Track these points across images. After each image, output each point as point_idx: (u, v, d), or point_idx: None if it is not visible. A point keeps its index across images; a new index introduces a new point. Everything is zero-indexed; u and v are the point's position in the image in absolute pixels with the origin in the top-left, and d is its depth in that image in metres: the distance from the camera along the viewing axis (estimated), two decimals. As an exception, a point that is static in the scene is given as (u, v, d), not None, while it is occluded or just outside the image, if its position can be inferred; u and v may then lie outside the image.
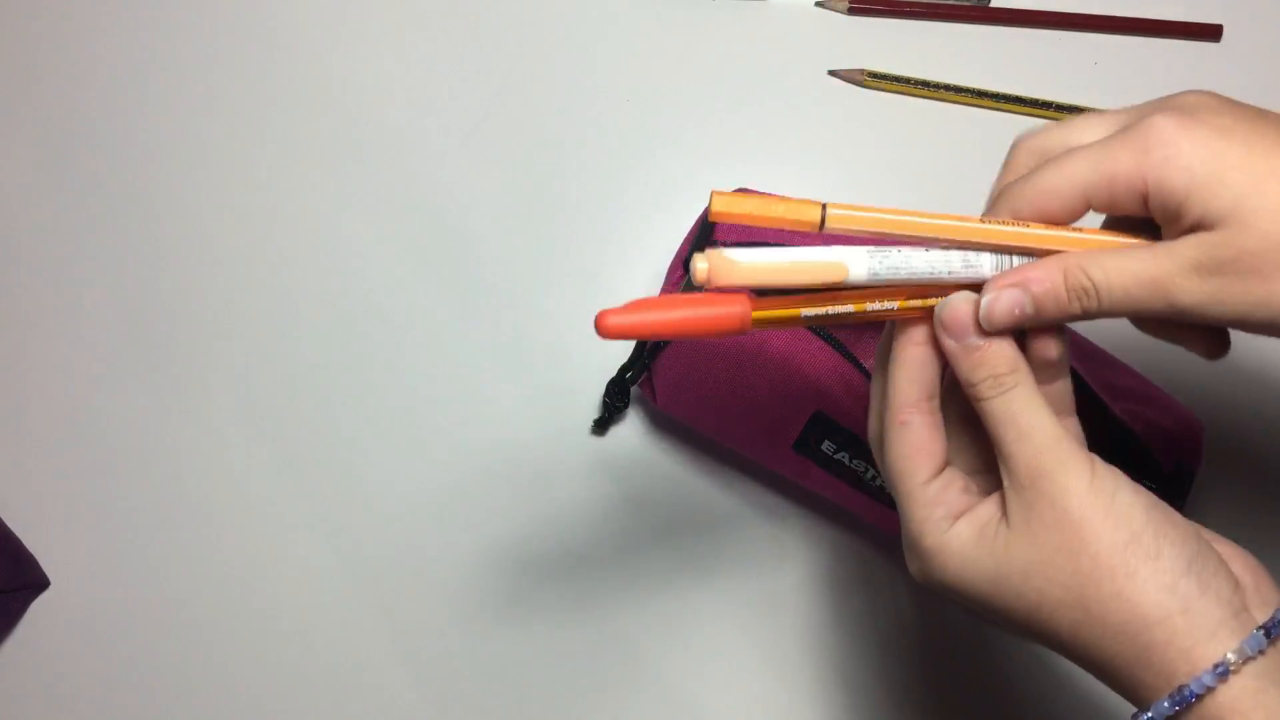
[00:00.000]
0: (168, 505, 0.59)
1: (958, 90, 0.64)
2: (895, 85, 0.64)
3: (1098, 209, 0.35)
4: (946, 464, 0.36)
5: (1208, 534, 0.34)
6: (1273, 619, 0.31)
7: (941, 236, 0.35)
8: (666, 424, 0.59)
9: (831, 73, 0.65)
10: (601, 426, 0.59)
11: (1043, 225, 0.35)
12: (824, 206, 0.34)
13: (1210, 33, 0.65)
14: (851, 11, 0.66)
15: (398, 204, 0.64)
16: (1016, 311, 0.34)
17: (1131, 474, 0.49)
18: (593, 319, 0.33)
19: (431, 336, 0.61)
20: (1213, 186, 0.32)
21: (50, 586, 0.59)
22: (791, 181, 0.60)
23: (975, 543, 0.34)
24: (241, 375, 0.61)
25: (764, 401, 0.51)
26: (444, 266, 0.62)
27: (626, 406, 0.59)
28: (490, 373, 0.61)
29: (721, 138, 0.64)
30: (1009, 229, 0.35)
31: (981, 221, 0.35)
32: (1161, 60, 0.65)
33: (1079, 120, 0.37)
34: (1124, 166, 0.33)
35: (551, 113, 0.65)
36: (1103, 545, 0.32)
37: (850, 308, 0.35)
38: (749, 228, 0.53)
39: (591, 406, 0.59)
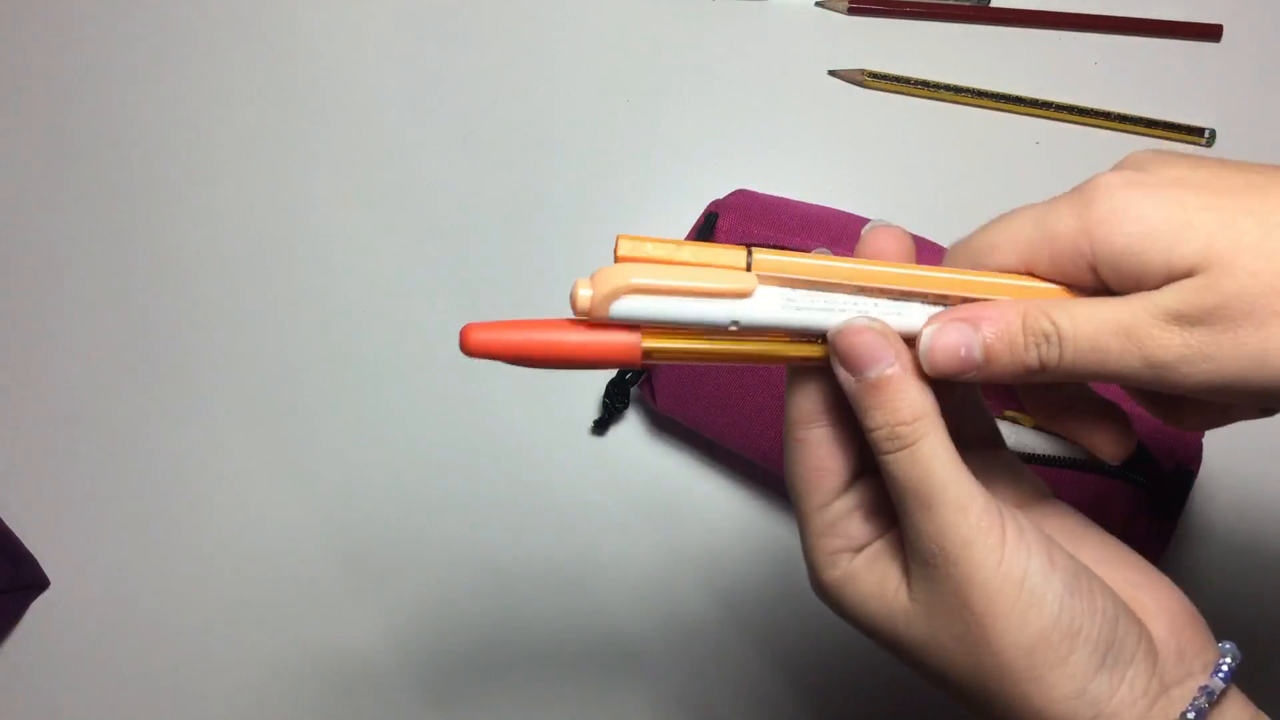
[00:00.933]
0: (168, 506, 0.59)
1: (958, 90, 0.64)
2: (895, 85, 0.64)
3: (1046, 272, 0.30)
4: (852, 479, 0.32)
5: (1137, 571, 0.31)
6: (1183, 716, 0.28)
7: (877, 284, 0.30)
8: (666, 424, 0.59)
9: (831, 73, 0.65)
10: (601, 427, 0.59)
11: (993, 273, 0.30)
12: (749, 249, 0.29)
13: (1210, 33, 0.65)
14: (851, 11, 0.66)
15: (396, 204, 0.64)
16: (962, 353, 0.29)
17: (1130, 476, 0.49)
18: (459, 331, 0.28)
19: (431, 337, 0.61)
20: (1175, 233, 0.27)
21: (50, 586, 0.59)
22: (792, 181, 0.60)
23: (875, 596, 0.31)
24: (241, 376, 0.61)
25: (764, 402, 0.51)
26: (443, 267, 0.62)
27: (626, 407, 0.59)
28: (490, 373, 0.60)
29: (721, 137, 0.64)
30: (952, 275, 0.30)
31: (924, 269, 0.30)
32: (1161, 60, 0.65)
33: (1012, 214, 0.31)
34: (1065, 224, 0.29)
35: (551, 112, 0.65)
36: (1006, 645, 0.28)
37: (765, 340, 0.30)
38: (751, 228, 0.53)
39: (591, 407, 0.59)
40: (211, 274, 0.63)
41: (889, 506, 0.31)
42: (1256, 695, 0.31)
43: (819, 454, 0.31)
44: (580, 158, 0.64)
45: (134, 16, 0.67)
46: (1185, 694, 0.29)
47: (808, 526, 0.32)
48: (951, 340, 0.29)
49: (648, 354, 0.29)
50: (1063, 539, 0.32)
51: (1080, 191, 0.29)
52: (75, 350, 0.62)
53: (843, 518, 0.31)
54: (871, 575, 0.31)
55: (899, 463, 0.29)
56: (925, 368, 0.29)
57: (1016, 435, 0.53)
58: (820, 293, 0.30)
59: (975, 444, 0.34)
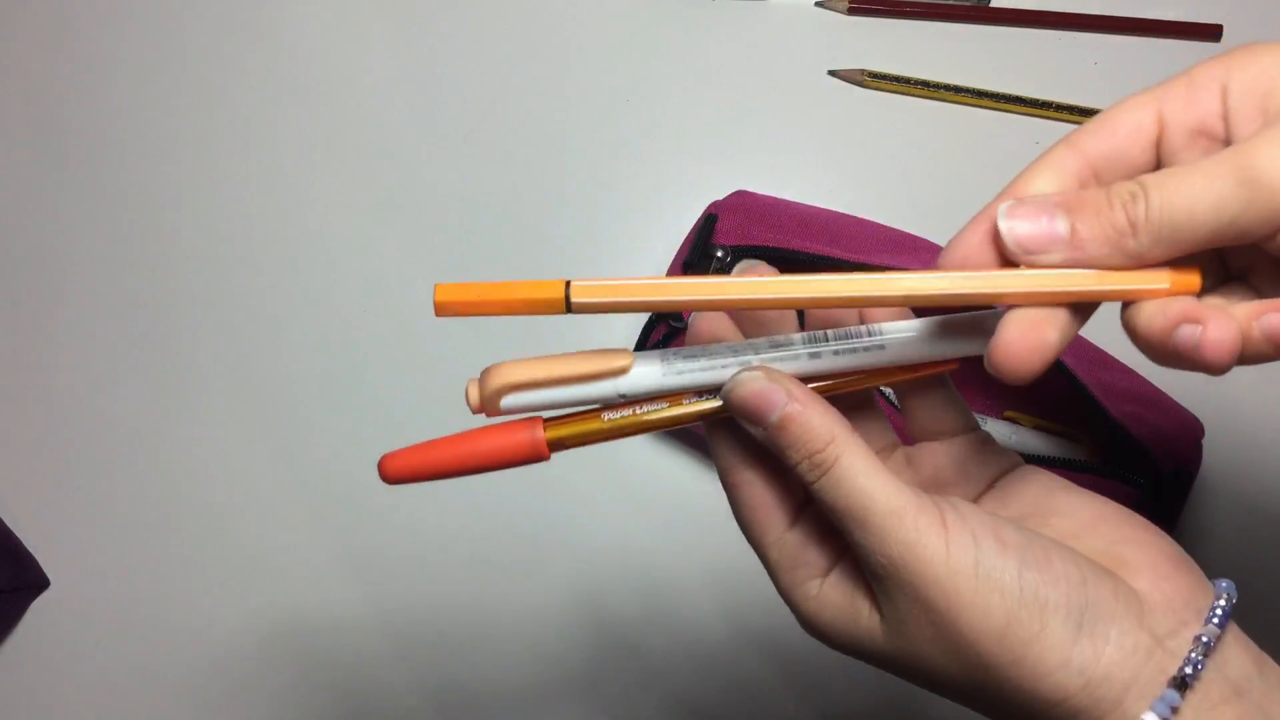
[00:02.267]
0: (168, 506, 0.59)
1: (958, 90, 0.64)
2: (895, 85, 0.64)
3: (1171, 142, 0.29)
4: (799, 508, 0.32)
5: (1116, 527, 0.30)
6: (1181, 670, 0.27)
7: (710, 299, 0.29)
8: (666, 424, 0.59)
9: (831, 73, 0.65)
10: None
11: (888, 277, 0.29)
12: (567, 284, 0.28)
13: (1210, 33, 0.65)
14: (851, 11, 0.66)
15: (397, 205, 0.64)
16: (1044, 222, 0.28)
17: (1130, 477, 0.49)
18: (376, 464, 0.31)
19: (431, 336, 0.61)
20: None
21: (50, 586, 0.59)
22: (792, 181, 0.60)
23: (851, 620, 0.30)
24: (241, 376, 0.61)
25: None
26: (444, 267, 0.62)
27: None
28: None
29: (721, 138, 0.64)
30: (805, 281, 0.29)
31: (762, 281, 0.29)
32: (1161, 60, 0.65)
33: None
34: (1211, 72, 0.28)
35: (551, 113, 0.65)
36: (979, 636, 0.27)
37: (663, 407, 0.30)
38: (750, 230, 0.53)
39: (591, 407, 0.59)
40: (212, 275, 0.63)
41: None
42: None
43: (756, 493, 0.32)
44: (580, 158, 0.64)
45: (134, 13, 0.67)
46: (1181, 645, 0.28)
47: (769, 562, 0.32)
48: (1036, 210, 0.28)
49: (553, 444, 0.30)
50: (1036, 505, 0.32)
51: (1213, 58, 0.29)
52: (75, 351, 0.62)
53: (800, 547, 0.31)
54: (843, 600, 0.31)
55: (825, 488, 0.29)
56: (1010, 245, 0.28)
57: (1016, 435, 0.53)
58: (698, 357, 0.30)
59: (950, 433, 0.34)
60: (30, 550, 0.59)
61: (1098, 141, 0.30)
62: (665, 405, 0.30)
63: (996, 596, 0.27)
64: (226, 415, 0.61)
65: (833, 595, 0.31)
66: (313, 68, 0.66)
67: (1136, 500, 0.49)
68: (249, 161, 0.65)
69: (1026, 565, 0.28)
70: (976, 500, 0.33)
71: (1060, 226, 0.28)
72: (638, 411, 0.30)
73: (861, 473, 0.29)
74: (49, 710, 0.57)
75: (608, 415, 0.30)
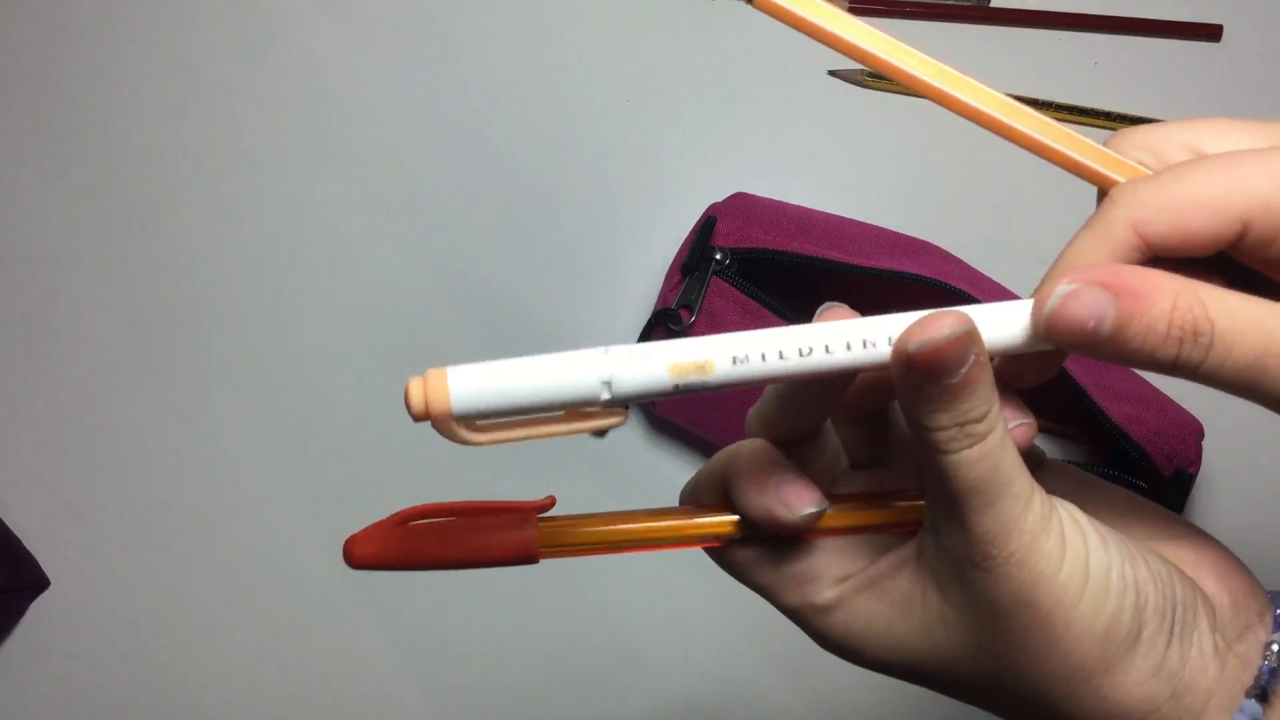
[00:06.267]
0: (168, 505, 0.59)
1: (958, 90, 0.64)
2: (895, 85, 0.64)
3: (1253, 241, 0.24)
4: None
5: (1164, 524, 0.28)
6: (1259, 681, 0.26)
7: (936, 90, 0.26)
8: (666, 427, 0.59)
9: (831, 73, 0.65)
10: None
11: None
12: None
13: (1210, 33, 0.65)
14: (851, 12, 0.66)
15: (396, 205, 0.64)
16: (1091, 324, 0.24)
17: (1130, 479, 0.49)
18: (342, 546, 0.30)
19: (431, 338, 0.61)
20: None
21: (50, 586, 0.59)
22: (792, 182, 0.60)
23: (898, 619, 0.27)
24: (241, 376, 0.61)
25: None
26: (443, 268, 0.62)
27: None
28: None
29: (721, 138, 0.64)
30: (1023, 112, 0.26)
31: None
32: (1161, 60, 0.65)
33: (1206, 123, 0.26)
34: None
35: (551, 113, 0.65)
36: (1076, 640, 0.25)
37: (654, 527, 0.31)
38: (749, 232, 0.53)
39: (591, 407, 0.59)
40: (212, 274, 0.63)
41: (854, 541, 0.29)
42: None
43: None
44: (580, 158, 0.64)
45: (137, 14, 0.67)
46: (1249, 650, 0.26)
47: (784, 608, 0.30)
48: (1085, 310, 0.24)
49: (543, 552, 0.30)
50: (1075, 502, 0.29)
51: None
52: (75, 350, 0.62)
53: (803, 569, 0.29)
54: (878, 601, 0.28)
55: (965, 459, 0.25)
56: (1037, 327, 0.25)
57: (1015, 437, 0.53)
58: (750, 354, 0.25)
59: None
60: (30, 550, 0.59)
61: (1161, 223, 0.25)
62: (673, 517, 0.32)
63: (1100, 598, 0.25)
64: (228, 415, 0.61)
65: (867, 597, 0.28)
66: (314, 69, 0.66)
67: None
68: (255, 165, 0.65)
69: (1128, 560, 0.26)
70: None
71: (1105, 330, 0.24)
72: (641, 521, 0.31)
73: (1009, 455, 0.25)
74: (49, 710, 0.57)
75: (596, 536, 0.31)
